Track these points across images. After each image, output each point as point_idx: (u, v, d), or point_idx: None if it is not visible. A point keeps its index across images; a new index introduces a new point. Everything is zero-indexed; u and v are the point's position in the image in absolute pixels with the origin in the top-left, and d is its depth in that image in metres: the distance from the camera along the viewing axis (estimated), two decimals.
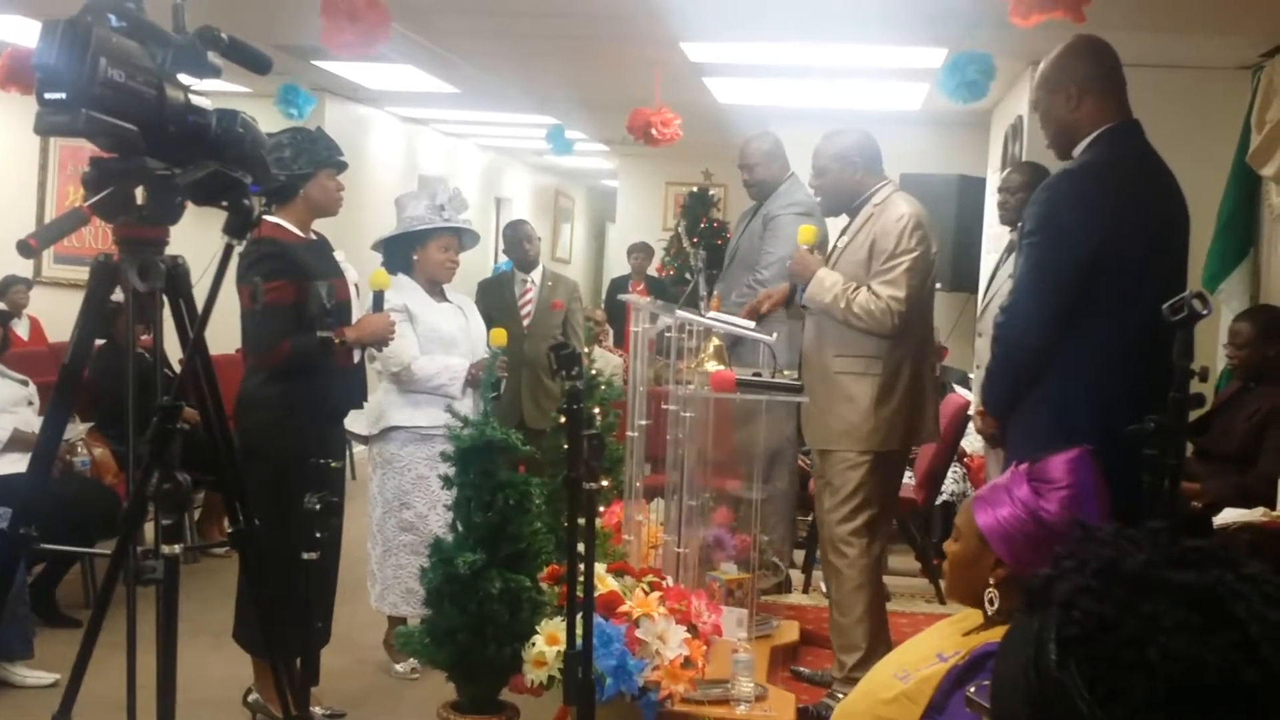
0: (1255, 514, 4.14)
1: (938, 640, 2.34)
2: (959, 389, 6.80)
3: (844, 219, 4.41)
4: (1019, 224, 5.36)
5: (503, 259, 12.67)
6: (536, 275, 6.62)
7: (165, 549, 1.98)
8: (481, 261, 12.19)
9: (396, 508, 4.60)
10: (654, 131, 6.90)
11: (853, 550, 4.19)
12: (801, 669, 4.63)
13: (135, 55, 2.10)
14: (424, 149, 11.26)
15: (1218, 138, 5.67)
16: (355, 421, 4.55)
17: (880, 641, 4.18)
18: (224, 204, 2.13)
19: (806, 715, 4.01)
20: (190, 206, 2.23)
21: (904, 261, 4.09)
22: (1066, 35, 4.99)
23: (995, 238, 7.19)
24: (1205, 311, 2.48)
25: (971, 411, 3.62)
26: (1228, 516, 4.03)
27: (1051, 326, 3.17)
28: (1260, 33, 5.47)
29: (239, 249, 2.24)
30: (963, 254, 7.81)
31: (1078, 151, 3.29)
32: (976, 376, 5.50)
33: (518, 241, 6.67)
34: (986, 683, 1.14)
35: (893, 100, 7.87)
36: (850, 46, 6.33)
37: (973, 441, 6.48)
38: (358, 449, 7.12)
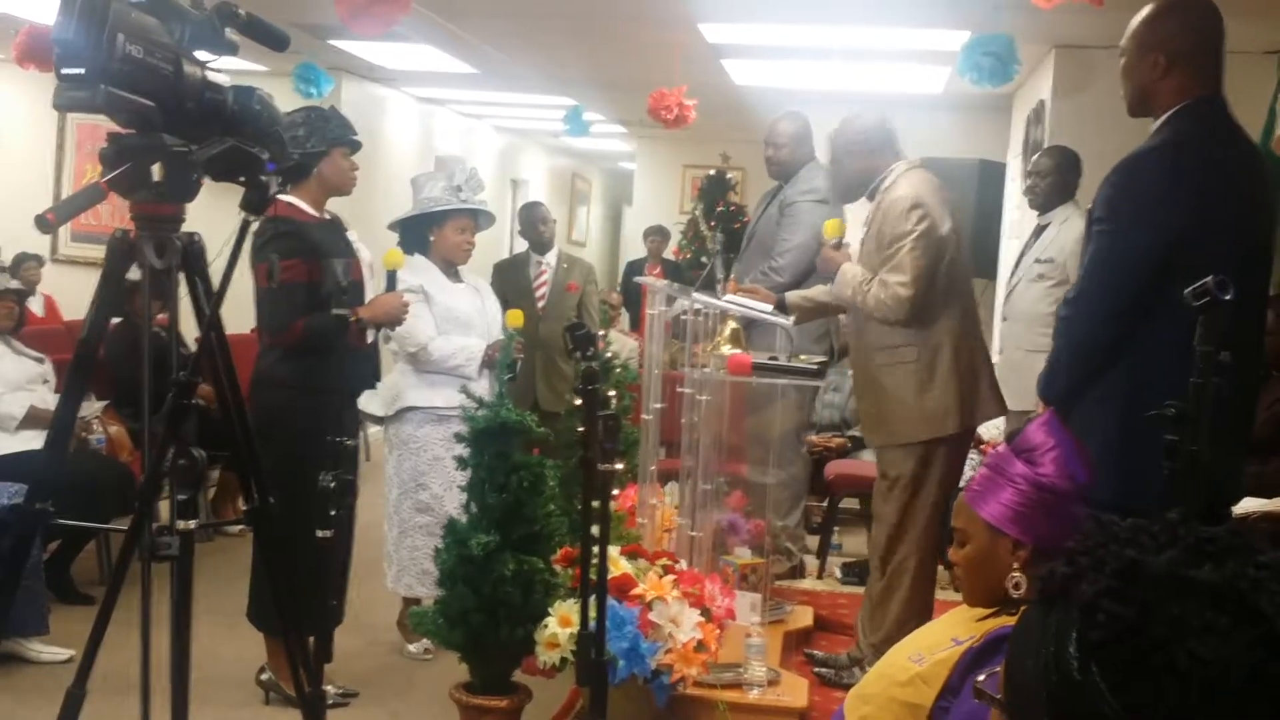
0: (1275, 504, 4.11)
1: (952, 625, 2.34)
2: None
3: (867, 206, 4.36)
4: (1044, 208, 5.38)
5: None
6: (552, 257, 6.60)
7: (180, 524, 1.98)
8: (496, 243, 12.18)
9: (412, 489, 4.60)
10: (689, 115, 6.87)
11: (901, 540, 4.15)
12: (815, 652, 4.62)
13: (153, 31, 2.09)
14: (440, 130, 11.25)
15: (1242, 122, 5.60)
16: (371, 402, 4.55)
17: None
18: (241, 180, 2.12)
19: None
20: (207, 185, 2.23)
21: (904, 244, 3.99)
22: (1088, 19, 4.97)
23: (1016, 223, 7.17)
24: (1227, 296, 2.44)
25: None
26: (1247, 506, 4.00)
27: (1116, 321, 2.98)
28: None
29: (255, 226, 2.24)
30: (983, 239, 7.77)
31: (1154, 126, 3.08)
32: (1000, 362, 5.47)
33: (532, 224, 6.66)
34: (997, 670, 1.12)
35: (914, 84, 7.82)
36: (870, 28, 6.29)
37: (989, 428, 6.45)
38: (373, 430, 7.13)
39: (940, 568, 6.03)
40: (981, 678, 1.20)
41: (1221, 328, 2.37)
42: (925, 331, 4.07)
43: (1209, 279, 2.35)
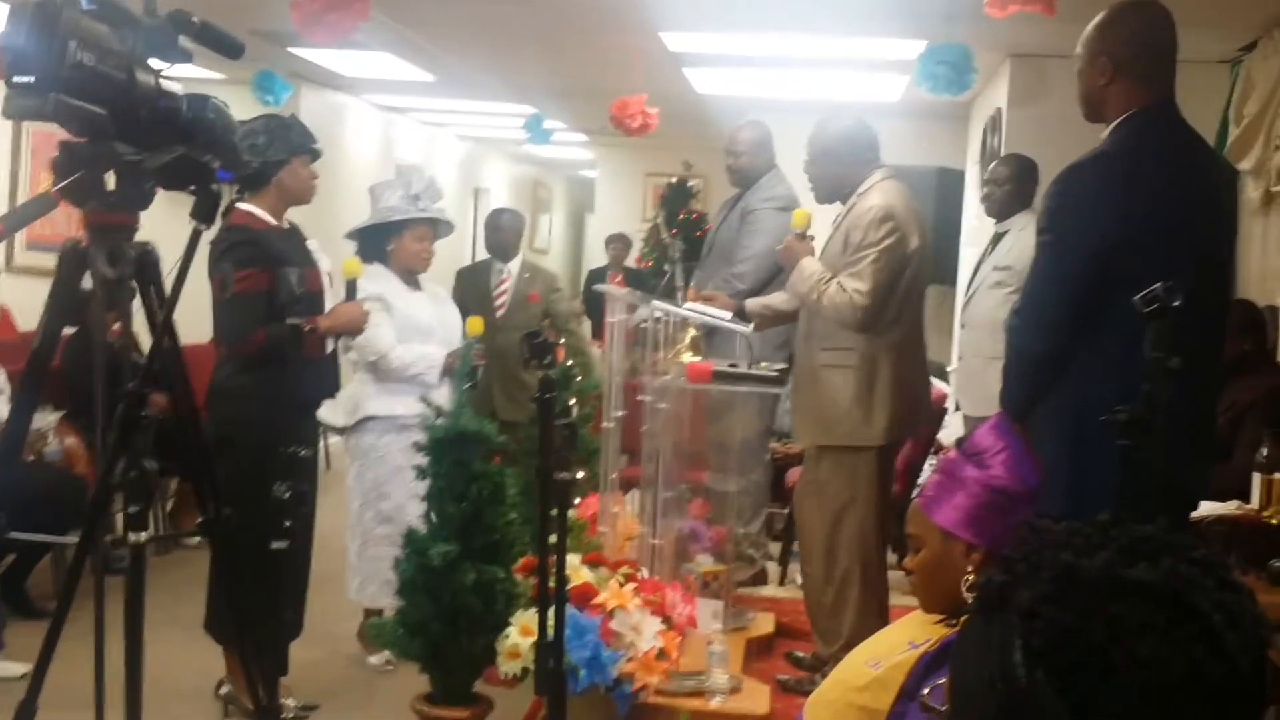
0: (1229, 507, 4.15)
1: (908, 630, 2.35)
2: (936, 382, 6.81)
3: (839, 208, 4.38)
4: (1002, 216, 5.42)
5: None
6: (514, 266, 6.47)
7: (132, 537, 1.96)
8: (456, 251, 12.14)
9: (374, 499, 4.57)
10: (653, 123, 6.88)
11: (840, 547, 4.18)
12: (798, 653, 4.64)
13: (105, 38, 2.07)
14: (401, 138, 11.21)
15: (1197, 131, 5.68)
16: (332, 412, 4.52)
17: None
18: (191, 189, 2.10)
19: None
20: (166, 194, 2.21)
21: (869, 254, 4.03)
22: (1042, 28, 5.02)
23: (974, 230, 7.22)
24: (1176, 303, 2.46)
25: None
26: (1203, 509, 4.04)
27: (1057, 331, 2.97)
28: (1239, 26, 5.49)
29: (208, 235, 2.22)
30: (941, 246, 7.81)
31: (1104, 134, 3.07)
32: (958, 369, 5.51)
33: (487, 229, 6.53)
34: (941, 683, 1.13)
35: (872, 92, 7.88)
36: (829, 38, 6.33)
37: (949, 435, 6.49)
38: (334, 440, 7.08)
39: (903, 574, 6.10)
40: (926, 691, 1.20)
41: (1171, 334, 2.38)
42: (872, 340, 4.11)
43: (1158, 285, 2.37)
